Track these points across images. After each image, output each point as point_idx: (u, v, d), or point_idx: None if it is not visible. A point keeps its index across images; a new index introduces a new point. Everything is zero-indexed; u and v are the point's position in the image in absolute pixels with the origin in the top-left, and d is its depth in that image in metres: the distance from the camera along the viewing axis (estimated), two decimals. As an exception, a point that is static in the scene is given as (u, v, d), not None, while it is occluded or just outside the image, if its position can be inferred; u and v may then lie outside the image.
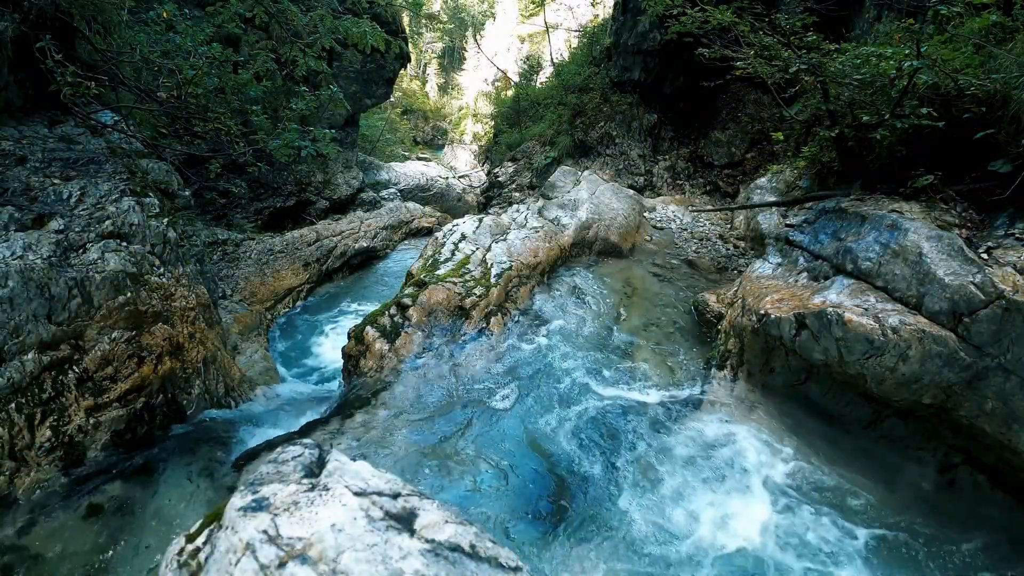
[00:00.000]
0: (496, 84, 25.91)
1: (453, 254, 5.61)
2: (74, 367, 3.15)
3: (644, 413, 4.01)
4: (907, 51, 3.78)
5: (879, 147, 4.25)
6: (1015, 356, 2.85)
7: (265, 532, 1.03)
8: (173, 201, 4.65)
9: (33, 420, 2.90)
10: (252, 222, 9.07)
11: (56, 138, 3.98)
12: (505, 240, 5.91)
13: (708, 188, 9.62)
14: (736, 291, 4.82)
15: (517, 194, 11.06)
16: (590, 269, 6.43)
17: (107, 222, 3.64)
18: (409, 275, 5.56)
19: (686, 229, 7.74)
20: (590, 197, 7.39)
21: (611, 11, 12.00)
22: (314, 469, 1.26)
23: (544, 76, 20.41)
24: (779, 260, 4.76)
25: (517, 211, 7.00)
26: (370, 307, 6.58)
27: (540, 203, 7.40)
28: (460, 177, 19.11)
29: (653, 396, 4.22)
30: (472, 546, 1.08)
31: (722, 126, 9.68)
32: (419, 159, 20.93)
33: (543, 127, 12.68)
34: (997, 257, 3.18)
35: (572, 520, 3.11)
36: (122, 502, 3.00)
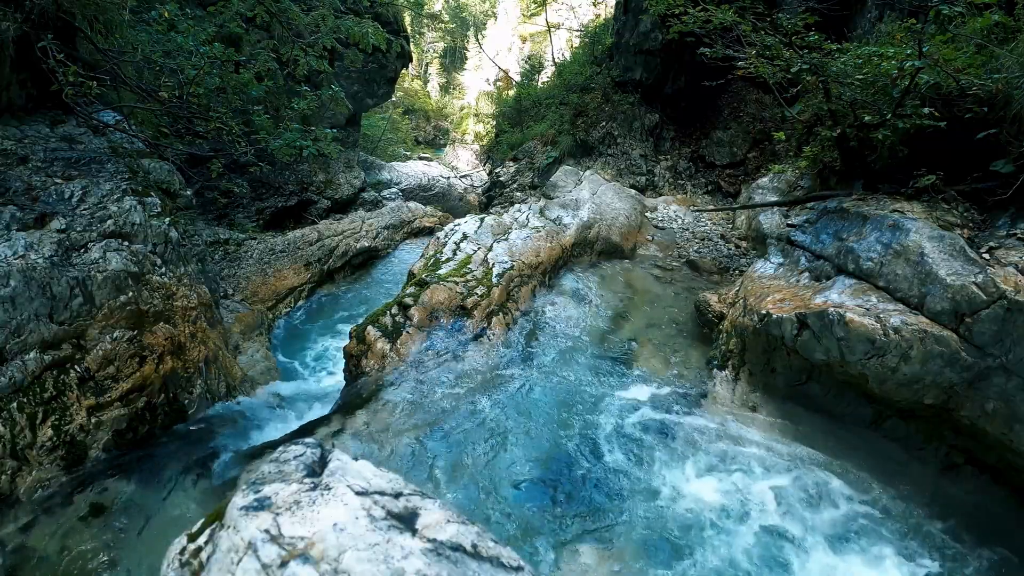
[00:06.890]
0: (498, 84, 25.92)
1: (455, 254, 5.61)
2: (76, 366, 3.15)
3: (645, 413, 4.00)
4: (909, 51, 3.77)
5: (881, 147, 4.24)
6: (1017, 356, 2.85)
7: (267, 531, 1.03)
8: (175, 201, 4.65)
9: (35, 419, 2.91)
10: (254, 222, 9.06)
11: (58, 138, 3.99)
12: (507, 240, 5.91)
13: (710, 188, 9.61)
14: (737, 291, 4.82)
15: (519, 194, 11.05)
16: (592, 269, 6.43)
17: (109, 222, 3.65)
18: (411, 275, 5.56)
19: (688, 229, 7.74)
20: (592, 197, 7.39)
21: (613, 11, 11.98)
22: (316, 468, 1.27)
23: (546, 76, 20.40)
24: (781, 260, 4.76)
25: (519, 211, 6.99)
26: (371, 307, 6.59)
27: (542, 203, 7.39)
28: (462, 177, 19.08)
29: (654, 396, 4.21)
30: (474, 546, 1.08)
31: (724, 126, 9.67)
32: (421, 159, 20.89)
33: (545, 127, 12.66)
34: (999, 257, 3.18)
35: (573, 520, 3.11)
36: (124, 501, 3.00)
